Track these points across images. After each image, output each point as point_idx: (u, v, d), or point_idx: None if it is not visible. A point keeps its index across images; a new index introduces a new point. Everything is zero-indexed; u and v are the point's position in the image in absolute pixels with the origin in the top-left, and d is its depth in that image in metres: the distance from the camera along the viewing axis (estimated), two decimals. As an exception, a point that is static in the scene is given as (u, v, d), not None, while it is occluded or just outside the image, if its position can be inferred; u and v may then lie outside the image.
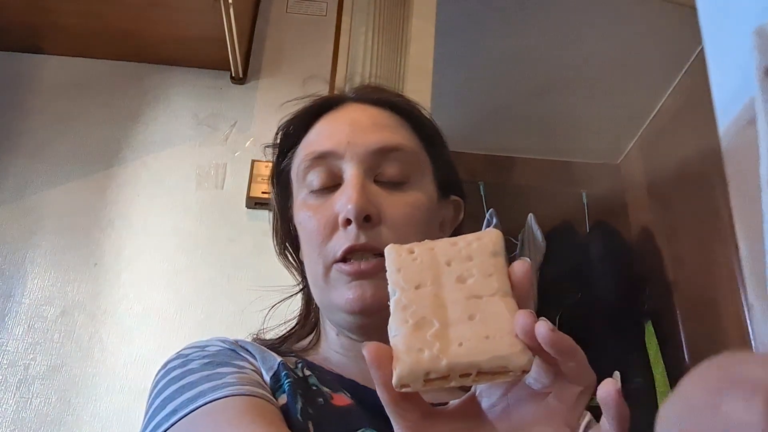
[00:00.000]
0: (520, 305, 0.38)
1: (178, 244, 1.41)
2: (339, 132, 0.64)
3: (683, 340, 2.18)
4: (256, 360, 0.59)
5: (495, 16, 2.05)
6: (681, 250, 2.26)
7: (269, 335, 0.70)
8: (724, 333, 1.96)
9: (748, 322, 1.85)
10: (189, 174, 1.47)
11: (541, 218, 2.39)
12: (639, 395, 2.02)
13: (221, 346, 0.60)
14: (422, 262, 0.41)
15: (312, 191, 0.63)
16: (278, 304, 0.72)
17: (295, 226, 0.67)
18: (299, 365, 0.60)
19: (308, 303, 0.72)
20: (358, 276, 0.58)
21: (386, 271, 0.41)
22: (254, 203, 1.43)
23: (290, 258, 0.72)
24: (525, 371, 0.36)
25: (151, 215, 1.43)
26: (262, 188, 1.42)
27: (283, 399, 0.55)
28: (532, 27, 2.08)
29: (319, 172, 0.63)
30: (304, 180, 0.64)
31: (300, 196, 0.65)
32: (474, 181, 2.52)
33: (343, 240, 0.59)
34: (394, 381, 0.36)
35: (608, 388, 0.36)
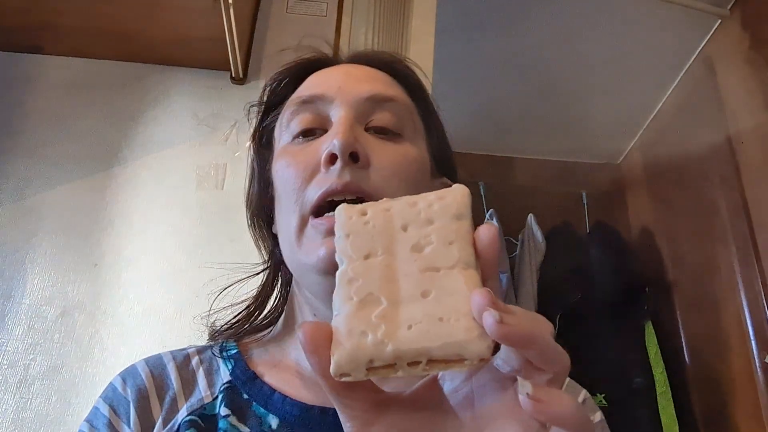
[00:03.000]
0: (485, 278, 0.33)
1: (178, 244, 1.41)
2: (331, 79, 0.59)
3: (683, 340, 2.18)
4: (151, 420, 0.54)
5: (495, 16, 2.05)
6: (681, 250, 2.26)
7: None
8: (724, 333, 1.96)
9: (748, 322, 1.85)
10: (189, 174, 1.47)
11: (541, 218, 2.39)
12: (639, 395, 2.02)
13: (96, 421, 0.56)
14: (374, 227, 0.35)
15: (294, 136, 0.58)
16: (232, 286, 0.67)
17: (270, 193, 0.62)
18: (221, 395, 0.56)
19: (271, 285, 0.66)
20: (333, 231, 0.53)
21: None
22: (254, 203, 1.43)
23: (262, 230, 0.66)
24: (484, 360, 0.31)
25: (151, 215, 1.43)
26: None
27: None
28: (532, 27, 2.08)
29: (304, 116, 0.58)
30: (288, 127, 0.59)
31: (280, 144, 0.60)
32: (474, 181, 2.52)
33: (324, 181, 0.52)
34: (332, 369, 0.31)
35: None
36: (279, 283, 0.66)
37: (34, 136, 1.48)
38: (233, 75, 1.55)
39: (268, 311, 0.66)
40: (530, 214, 2.40)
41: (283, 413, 0.54)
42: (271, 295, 0.66)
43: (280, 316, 0.65)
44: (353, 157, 0.52)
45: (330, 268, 0.50)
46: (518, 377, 0.32)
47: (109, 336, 1.32)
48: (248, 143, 0.68)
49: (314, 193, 0.53)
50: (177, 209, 1.44)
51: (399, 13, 1.68)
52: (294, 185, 0.55)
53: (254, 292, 0.67)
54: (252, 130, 0.68)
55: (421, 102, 0.63)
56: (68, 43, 1.53)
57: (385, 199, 0.37)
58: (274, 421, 0.54)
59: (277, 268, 0.65)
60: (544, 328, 0.32)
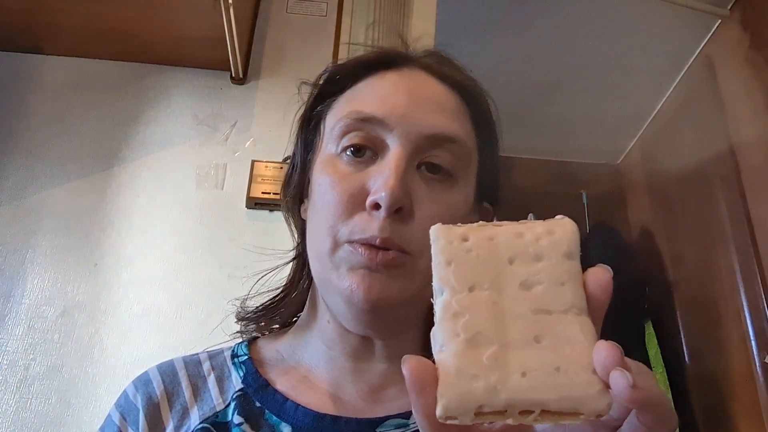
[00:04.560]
0: (594, 326, 0.32)
1: (178, 244, 1.41)
2: (395, 99, 0.56)
3: (683, 340, 2.18)
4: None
5: (495, 16, 2.05)
6: (681, 250, 2.26)
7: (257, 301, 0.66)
8: (724, 333, 1.96)
9: (748, 322, 1.85)
10: (189, 174, 1.47)
11: (541, 218, 2.38)
12: (639, 395, 2.02)
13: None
14: (479, 257, 0.33)
15: (344, 153, 0.56)
16: (271, 272, 0.67)
17: (309, 179, 0.60)
18: (234, 403, 0.56)
19: (301, 270, 0.65)
20: (369, 265, 0.51)
21: (432, 260, 0.34)
22: (254, 203, 1.43)
23: (295, 211, 0.64)
24: (601, 416, 0.30)
25: (151, 215, 1.43)
26: (262, 188, 1.41)
27: None
28: (532, 27, 2.08)
29: (358, 135, 0.55)
30: (339, 139, 0.56)
31: (327, 152, 0.58)
32: (474, 181, 2.52)
33: (365, 226, 0.52)
34: (438, 411, 0.30)
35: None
36: (307, 272, 0.64)
37: (34, 136, 1.48)
38: (233, 75, 1.55)
39: (293, 301, 0.65)
40: (530, 214, 2.39)
41: (295, 421, 0.55)
42: (300, 281, 0.65)
43: (303, 306, 0.64)
44: (398, 211, 0.52)
45: (358, 301, 0.51)
46: None
47: (109, 336, 1.32)
48: (296, 120, 0.66)
49: (351, 233, 0.53)
50: (177, 209, 1.44)
51: (399, 13, 1.68)
52: (334, 212, 0.54)
53: (284, 281, 0.66)
54: (302, 112, 0.65)
55: (484, 132, 0.61)
56: (68, 43, 1.53)
57: (481, 222, 0.35)
58: (286, 430, 0.54)
59: (305, 254, 0.63)
60: (663, 390, 0.31)
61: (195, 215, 1.44)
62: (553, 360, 0.30)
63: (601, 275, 0.32)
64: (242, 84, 1.57)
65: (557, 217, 0.35)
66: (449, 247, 0.33)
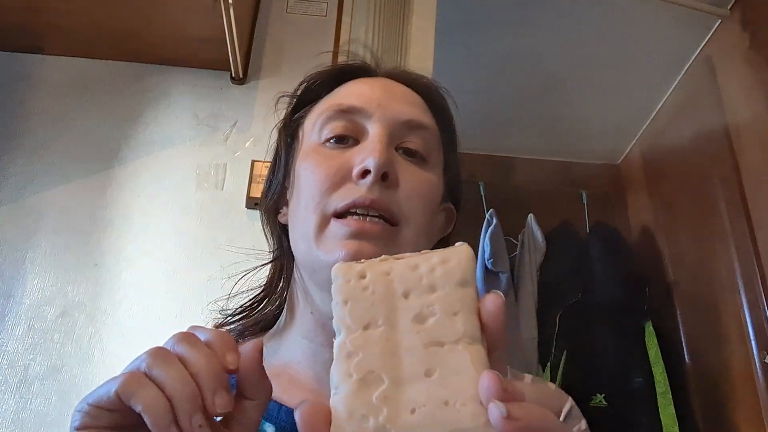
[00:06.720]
0: (491, 350, 0.32)
1: (178, 244, 1.41)
2: (371, 93, 0.61)
3: (683, 340, 2.18)
4: None
5: (495, 16, 2.05)
6: (681, 250, 2.26)
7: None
8: (724, 333, 1.96)
9: (748, 321, 1.85)
10: (189, 174, 1.47)
11: (541, 218, 2.39)
12: (639, 395, 2.02)
13: None
14: (374, 293, 0.33)
15: (326, 141, 0.59)
16: (252, 271, 0.69)
17: (288, 185, 0.63)
18: None
19: (279, 273, 0.66)
20: (358, 234, 0.53)
21: (333, 299, 0.34)
22: (254, 203, 1.43)
23: (273, 219, 0.67)
24: None
25: (151, 215, 1.43)
26: (262, 188, 1.41)
27: None
28: (532, 27, 2.08)
29: (340, 125, 0.59)
30: (321, 130, 0.60)
31: (309, 144, 0.61)
32: (474, 181, 2.52)
33: (353, 192, 0.54)
34: None
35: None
36: (285, 275, 0.66)
37: (34, 136, 1.48)
38: (233, 75, 1.55)
39: (272, 302, 0.67)
40: (530, 214, 2.39)
41: (278, 421, 0.55)
42: (279, 285, 0.66)
43: (282, 309, 0.65)
44: (384, 177, 0.54)
45: None
46: None
47: (109, 336, 1.32)
48: (274, 131, 0.69)
49: (339, 201, 0.55)
50: (177, 209, 1.44)
51: (399, 13, 1.68)
52: (321, 187, 0.56)
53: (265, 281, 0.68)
54: (281, 121, 0.68)
55: (446, 133, 0.66)
56: (68, 43, 1.53)
57: (383, 256, 0.35)
58: (270, 429, 0.55)
59: (283, 258, 0.66)
60: (551, 416, 0.30)
61: (195, 215, 1.44)
62: (441, 394, 0.30)
63: (490, 303, 0.32)
64: (242, 84, 1.57)
65: (457, 244, 0.34)
66: (346, 287, 0.33)
